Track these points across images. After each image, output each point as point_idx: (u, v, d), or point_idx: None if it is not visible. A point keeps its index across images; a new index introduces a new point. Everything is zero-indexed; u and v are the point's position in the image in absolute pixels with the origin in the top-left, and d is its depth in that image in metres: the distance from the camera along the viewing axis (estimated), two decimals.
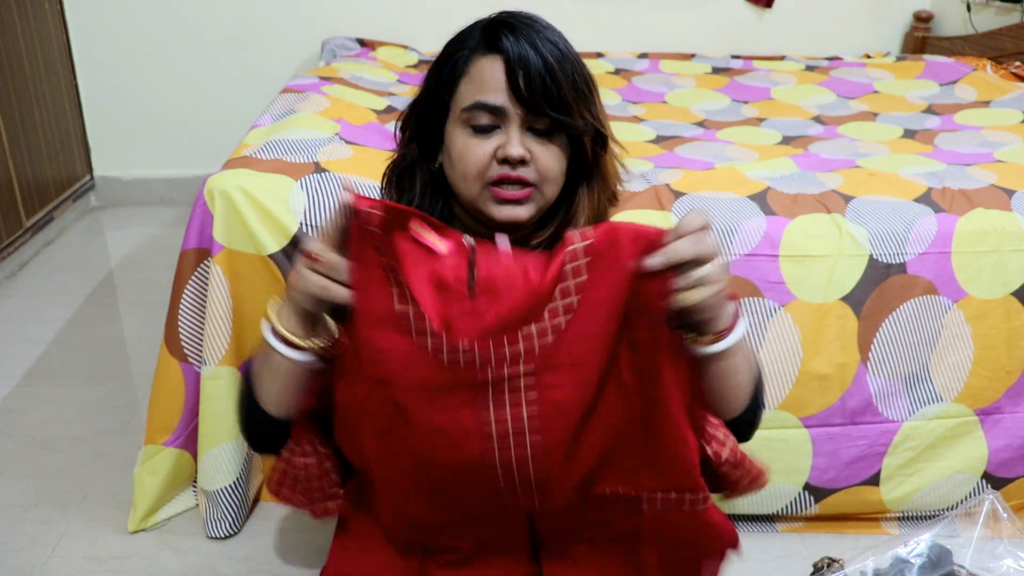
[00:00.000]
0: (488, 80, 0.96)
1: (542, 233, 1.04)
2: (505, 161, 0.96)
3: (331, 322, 0.94)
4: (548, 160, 0.98)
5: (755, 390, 1.00)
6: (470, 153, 0.97)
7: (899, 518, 1.75)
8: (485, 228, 1.02)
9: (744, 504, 1.70)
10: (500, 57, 0.95)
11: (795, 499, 1.70)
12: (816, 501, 1.71)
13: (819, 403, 1.63)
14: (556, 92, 0.95)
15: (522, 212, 0.99)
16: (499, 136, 0.97)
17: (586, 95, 0.98)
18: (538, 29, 0.97)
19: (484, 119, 0.96)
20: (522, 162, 0.97)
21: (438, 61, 1.01)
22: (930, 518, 1.72)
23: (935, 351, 1.65)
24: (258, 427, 1.00)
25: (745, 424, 1.01)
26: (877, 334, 1.62)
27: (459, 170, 0.99)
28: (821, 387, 1.63)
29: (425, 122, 1.02)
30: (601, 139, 1.02)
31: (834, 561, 1.08)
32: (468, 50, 0.98)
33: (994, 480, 1.72)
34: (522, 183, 0.97)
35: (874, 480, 1.69)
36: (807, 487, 1.70)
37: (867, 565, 1.06)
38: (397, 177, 1.07)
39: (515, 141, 0.96)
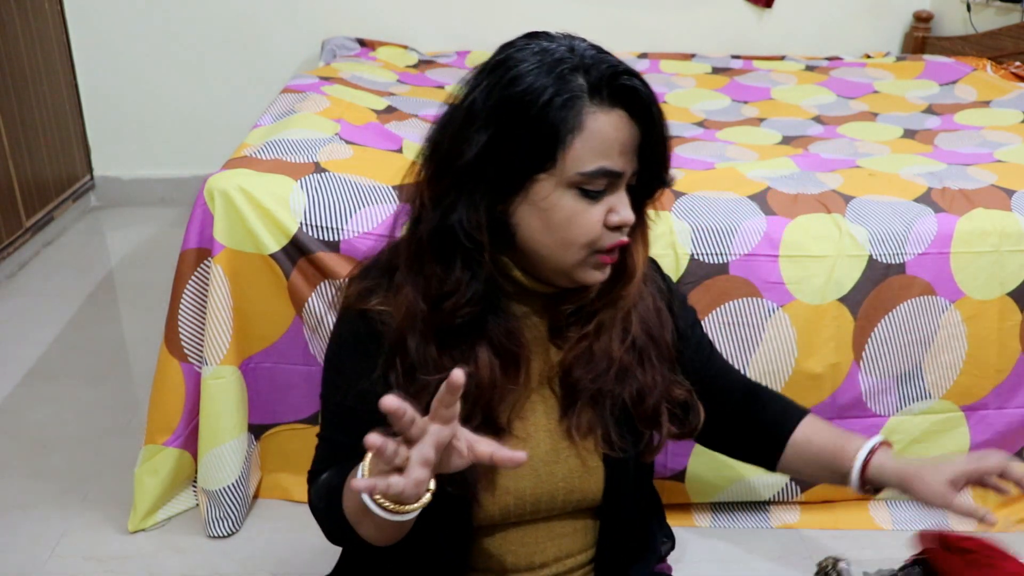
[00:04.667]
0: (613, 142, 0.83)
1: (584, 294, 0.93)
2: (616, 228, 0.87)
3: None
4: None
5: None
6: (583, 221, 0.85)
7: (886, 503, 1.76)
8: (539, 283, 0.92)
9: (731, 491, 1.71)
10: (624, 114, 0.84)
11: (782, 490, 1.72)
12: (802, 491, 1.73)
13: (809, 400, 1.64)
14: (666, 153, 0.87)
15: (609, 272, 0.91)
16: (607, 199, 0.86)
17: None
18: (643, 81, 0.85)
19: (602, 184, 0.85)
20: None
21: (516, 101, 0.82)
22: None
23: (930, 351, 1.66)
24: (357, 545, 0.90)
25: None
26: (872, 334, 1.63)
27: (561, 236, 0.86)
28: (813, 386, 1.64)
29: (503, 173, 0.84)
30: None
31: (839, 561, 1.08)
32: (574, 97, 0.82)
33: None
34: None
35: None
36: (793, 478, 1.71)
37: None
38: (449, 238, 0.86)
39: (627, 205, 0.87)
